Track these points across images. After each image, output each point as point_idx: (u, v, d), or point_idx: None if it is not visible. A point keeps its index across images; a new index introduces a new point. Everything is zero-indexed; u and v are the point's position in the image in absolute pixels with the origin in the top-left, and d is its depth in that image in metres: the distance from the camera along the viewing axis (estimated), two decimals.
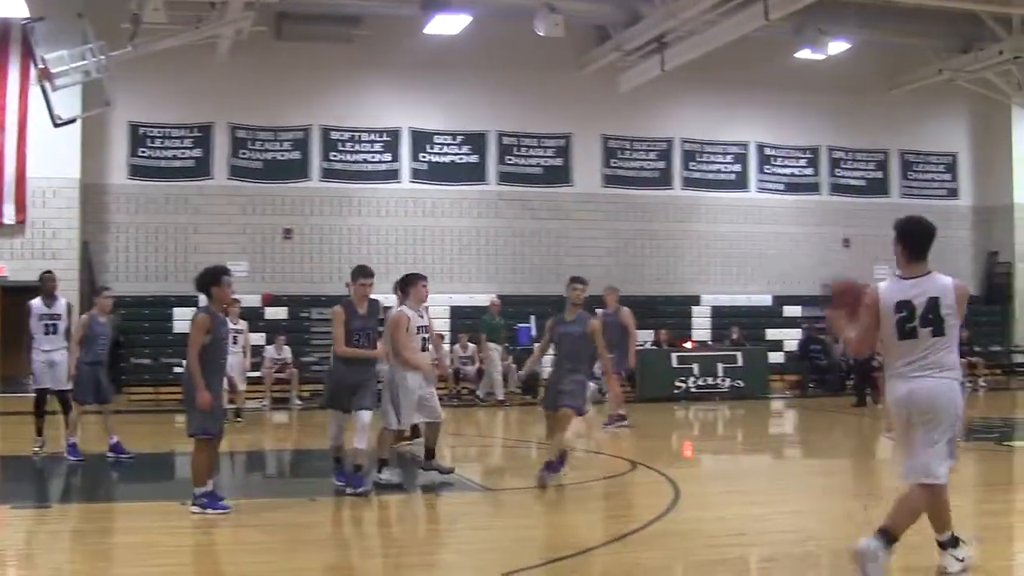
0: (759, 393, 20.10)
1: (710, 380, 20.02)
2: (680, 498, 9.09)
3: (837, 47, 22.15)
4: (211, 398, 8.19)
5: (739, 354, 20.52)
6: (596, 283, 21.06)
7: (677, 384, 19.91)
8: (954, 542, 6.07)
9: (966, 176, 26.49)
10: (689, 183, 24.19)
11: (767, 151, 24.70)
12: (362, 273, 9.55)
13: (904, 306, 5.92)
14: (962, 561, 6.04)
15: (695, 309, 23.61)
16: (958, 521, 6.42)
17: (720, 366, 20.17)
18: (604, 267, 22.49)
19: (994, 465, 12.12)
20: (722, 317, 23.25)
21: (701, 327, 23.34)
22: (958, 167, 26.41)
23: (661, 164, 24.04)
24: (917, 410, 5.93)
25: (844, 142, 25.26)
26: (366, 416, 9.25)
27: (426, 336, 9.93)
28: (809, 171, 25.07)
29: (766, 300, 24.08)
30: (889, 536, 5.77)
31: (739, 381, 20.03)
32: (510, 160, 23.26)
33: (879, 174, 25.64)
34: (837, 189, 25.25)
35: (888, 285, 6.08)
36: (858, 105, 24.92)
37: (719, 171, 24.41)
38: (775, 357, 22.07)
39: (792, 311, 23.73)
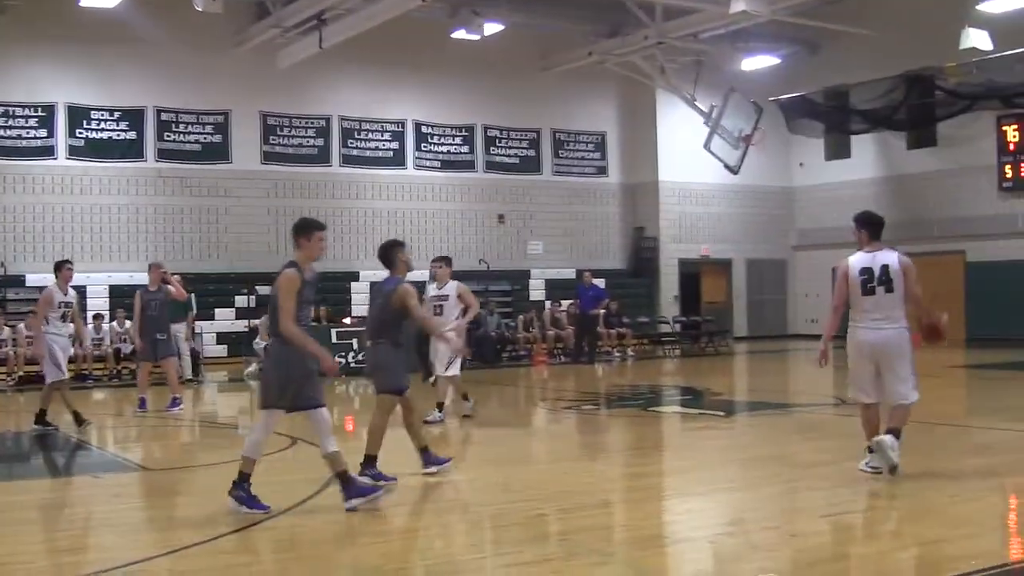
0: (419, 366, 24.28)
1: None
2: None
3: (491, 29, 28.77)
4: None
5: None
6: (259, 260, 27.88)
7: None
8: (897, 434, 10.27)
9: (615, 155, 35.33)
10: (348, 160, 31.00)
11: (424, 129, 31.98)
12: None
13: (865, 272, 10.32)
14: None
15: (354, 285, 29.80)
16: (605, 483, 10.64)
17: None
18: (264, 244, 28.96)
19: (641, 430, 15.51)
20: None
21: (360, 303, 29.03)
22: (607, 146, 35.20)
23: (320, 141, 30.67)
24: (880, 355, 10.32)
25: (498, 121, 33.12)
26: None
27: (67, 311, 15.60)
28: (465, 149, 32.70)
29: (424, 276, 31.03)
30: (897, 431, 10.16)
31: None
32: (169, 137, 28.87)
33: (532, 152, 33.86)
34: (492, 167, 33.08)
35: (855, 257, 10.45)
36: (512, 85, 32.81)
37: (377, 149, 31.39)
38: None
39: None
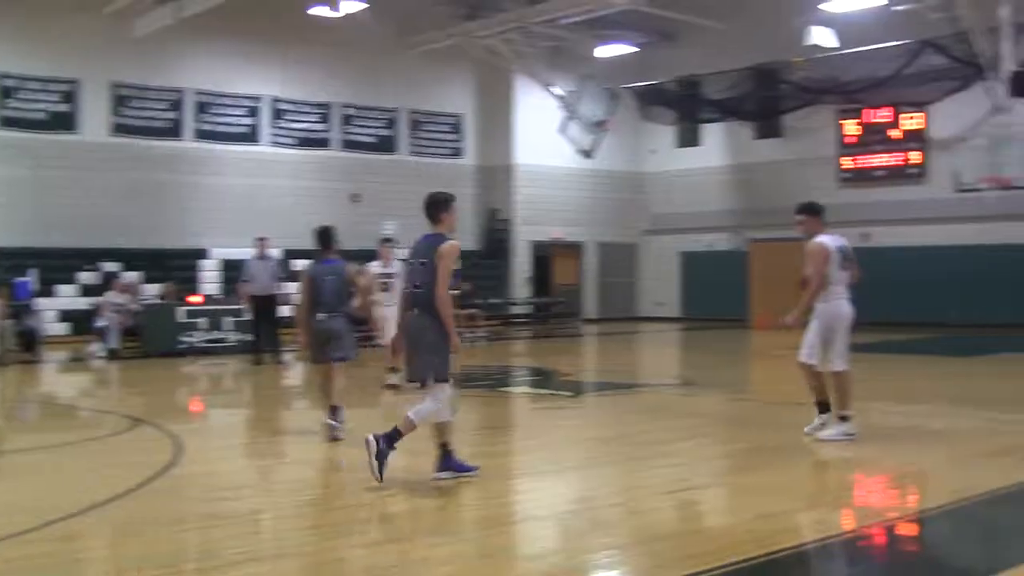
0: (267, 347, 22.11)
1: (218, 335, 23.90)
2: (182, 453, 10.86)
3: (351, 6, 28.04)
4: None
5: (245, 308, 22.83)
6: (106, 236, 27.26)
7: (183, 339, 23.46)
8: (826, 408, 11.35)
9: (471, 137, 35.37)
10: (201, 135, 30.39)
11: (280, 105, 31.59)
12: None
13: (842, 249, 11.24)
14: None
15: (203, 263, 29.26)
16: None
17: (228, 320, 24.06)
18: (113, 219, 28.25)
19: (490, 411, 15.33)
20: (232, 271, 27.59)
21: (209, 281, 28.83)
22: (463, 128, 35.21)
23: (173, 114, 30.00)
24: (849, 321, 11.21)
25: (356, 99, 32.88)
26: None
27: None
28: (321, 126, 32.39)
29: (275, 254, 30.10)
30: (825, 404, 11.31)
31: (247, 335, 22.98)
32: (12, 104, 27.79)
33: (389, 132, 33.70)
34: (348, 145, 32.83)
35: (828, 239, 11.28)
36: (371, 64, 32.57)
37: (232, 124, 30.88)
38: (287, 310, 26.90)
39: (302, 265, 30.24)
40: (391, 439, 9.13)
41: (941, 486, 9.55)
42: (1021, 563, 6.79)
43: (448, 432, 9.44)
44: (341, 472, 10.58)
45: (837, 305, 11.22)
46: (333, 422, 11.68)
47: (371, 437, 9.10)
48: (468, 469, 9.50)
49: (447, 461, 9.40)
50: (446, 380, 9.42)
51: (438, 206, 9.64)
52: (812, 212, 11.68)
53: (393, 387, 15.90)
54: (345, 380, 12.21)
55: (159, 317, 23.80)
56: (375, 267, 17.00)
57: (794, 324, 11.22)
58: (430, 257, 9.32)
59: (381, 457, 9.05)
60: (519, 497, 9.42)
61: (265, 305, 21.77)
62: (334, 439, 11.54)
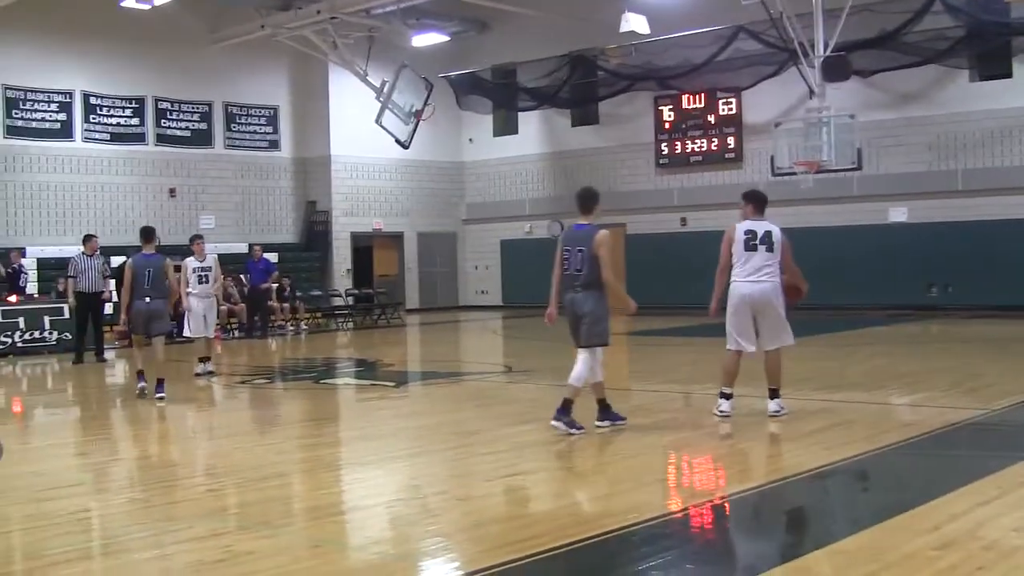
0: (91, 345, 21.96)
1: (37, 334, 23.49)
2: (2, 454, 10.07)
3: None
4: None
5: (66, 306, 23.01)
6: None
7: (2, 339, 23.04)
8: (777, 393, 11.69)
9: (287, 129, 35.01)
10: (13, 131, 29.45)
11: (93, 100, 30.75)
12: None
13: (749, 232, 11.46)
14: (781, 408, 11.64)
15: (23, 262, 27.34)
16: (277, 456, 10.67)
17: (47, 319, 23.70)
18: None
19: (315, 403, 15.59)
20: (49, 269, 27.88)
21: (27, 280, 27.31)
22: (279, 120, 34.84)
23: None
24: (756, 305, 11.41)
25: (170, 93, 32.22)
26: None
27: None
28: (135, 121, 31.62)
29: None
30: (776, 391, 11.65)
31: (67, 333, 23.10)
32: None
33: (204, 125, 33.10)
34: (163, 139, 32.17)
35: (740, 224, 11.58)
36: (183, 57, 32.05)
37: (44, 119, 29.96)
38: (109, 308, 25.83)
39: (120, 261, 29.67)
40: (566, 409, 10.93)
41: (765, 466, 9.90)
42: (842, 538, 7.00)
43: (603, 388, 11.21)
44: (168, 468, 10.48)
45: (732, 288, 11.66)
46: (143, 382, 15.06)
47: (554, 423, 10.93)
48: (622, 419, 11.26)
49: (605, 413, 11.21)
50: (606, 344, 11.14)
51: (593, 199, 11.36)
52: (746, 199, 12.00)
53: (202, 375, 17.72)
54: (165, 354, 15.36)
55: None
56: (191, 262, 18.19)
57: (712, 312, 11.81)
58: (588, 245, 10.90)
59: (571, 424, 10.87)
60: (345, 487, 9.47)
61: (92, 303, 21.67)
62: (141, 396, 14.88)
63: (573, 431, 10.83)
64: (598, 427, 11.07)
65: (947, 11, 25.38)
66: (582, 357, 11.02)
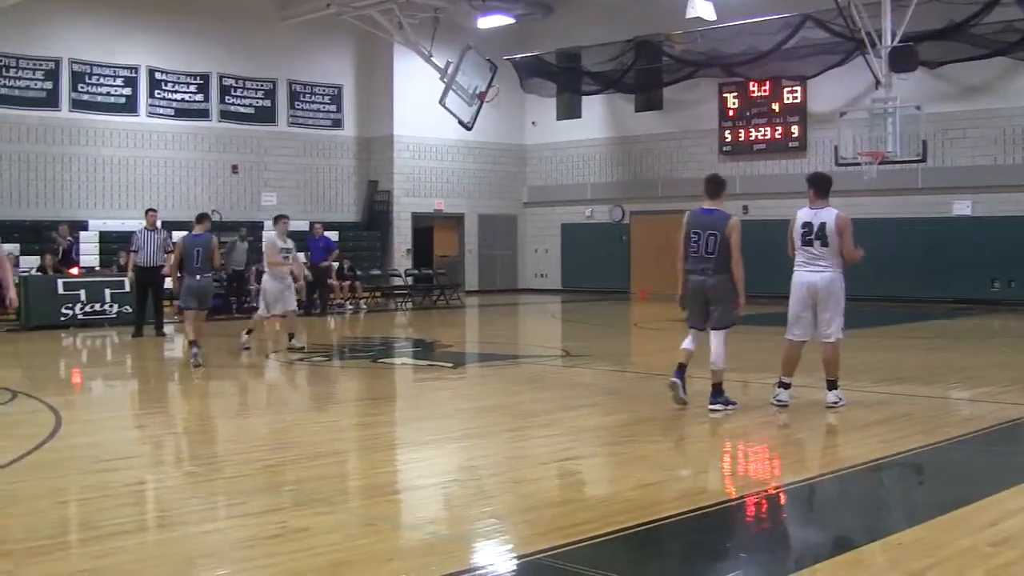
0: (151, 318, 22.24)
1: (97, 306, 23.79)
2: (62, 426, 10.82)
3: None
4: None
5: (126, 280, 23.52)
6: None
7: (64, 311, 23.33)
8: (835, 384, 11.65)
9: (350, 108, 35.14)
10: (78, 105, 29.73)
11: (158, 76, 31.01)
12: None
13: (806, 225, 11.39)
14: (840, 399, 11.61)
15: (83, 235, 28.58)
16: (334, 434, 10.85)
17: (108, 291, 23.95)
18: None
19: (372, 382, 15.60)
20: (110, 243, 28.33)
21: (88, 253, 28.35)
22: (343, 99, 35.00)
23: (48, 84, 29.28)
24: (819, 293, 11.38)
25: (234, 70, 32.44)
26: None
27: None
28: (200, 97, 31.89)
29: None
30: (834, 383, 11.62)
31: (127, 307, 23.46)
32: None
33: (267, 103, 33.31)
34: (226, 116, 32.41)
35: (801, 212, 11.55)
36: (249, 34, 32.27)
37: (109, 94, 30.25)
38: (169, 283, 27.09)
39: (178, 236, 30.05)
40: (719, 391, 11.42)
41: (821, 457, 9.83)
42: (897, 531, 6.96)
43: (721, 373, 11.46)
44: (224, 442, 10.53)
45: (795, 276, 11.78)
46: (196, 350, 16.00)
47: (711, 407, 11.35)
48: (733, 404, 11.47)
49: (719, 396, 11.41)
50: (735, 324, 11.59)
51: (722, 185, 11.91)
52: (808, 183, 12.00)
53: (294, 350, 18.33)
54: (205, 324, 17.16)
55: (39, 289, 23.61)
56: (278, 241, 18.66)
57: None
58: (721, 230, 11.38)
59: (727, 403, 11.40)
60: (401, 467, 9.47)
61: (151, 277, 21.72)
62: (196, 366, 15.69)
63: (730, 408, 11.36)
64: (712, 411, 11.32)
65: (1017, 3, 24.96)
66: (718, 338, 11.41)
